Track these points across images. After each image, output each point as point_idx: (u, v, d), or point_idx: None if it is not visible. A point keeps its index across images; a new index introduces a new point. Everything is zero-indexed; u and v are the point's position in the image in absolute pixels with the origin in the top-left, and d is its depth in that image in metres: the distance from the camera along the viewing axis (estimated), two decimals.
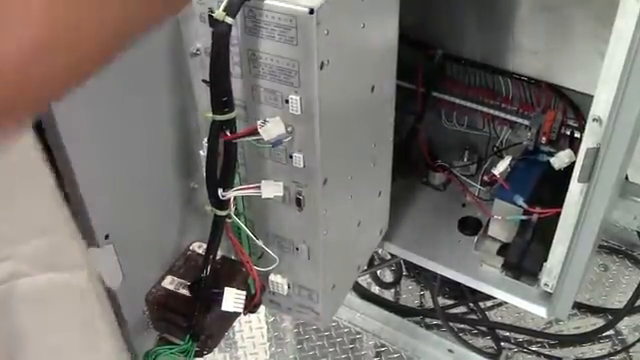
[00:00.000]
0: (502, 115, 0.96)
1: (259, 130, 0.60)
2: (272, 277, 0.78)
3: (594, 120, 0.68)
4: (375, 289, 1.34)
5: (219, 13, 0.56)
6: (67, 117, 0.55)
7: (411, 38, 0.91)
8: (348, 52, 0.64)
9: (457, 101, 0.99)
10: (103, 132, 0.60)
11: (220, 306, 0.67)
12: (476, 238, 0.94)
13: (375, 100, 0.75)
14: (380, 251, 1.27)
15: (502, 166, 0.88)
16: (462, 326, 1.25)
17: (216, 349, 0.73)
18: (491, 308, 1.27)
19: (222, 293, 0.67)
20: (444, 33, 0.97)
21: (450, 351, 1.19)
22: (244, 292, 0.68)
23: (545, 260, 0.83)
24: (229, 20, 0.56)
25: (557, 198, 0.78)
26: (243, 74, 0.63)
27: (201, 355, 0.71)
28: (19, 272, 0.48)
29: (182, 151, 0.72)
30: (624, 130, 0.66)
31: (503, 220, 0.91)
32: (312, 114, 0.61)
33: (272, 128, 0.59)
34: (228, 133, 0.61)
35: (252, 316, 1.28)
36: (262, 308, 0.82)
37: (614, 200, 0.79)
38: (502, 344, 1.22)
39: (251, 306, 0.72)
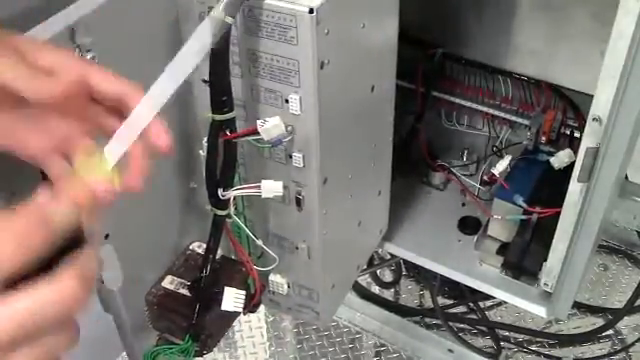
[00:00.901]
0: (502, 115, 0.96)
1: (259, 130, 0.60)
2: (272, 277, 0.78)
3: (594, 120, 0.67)
4: (375, 289, 1.34)
5: (219, 12, 0.56)
6: None
7: (411, 37, 0.91)
8: (348, 52, 0.64)
9: (457, 101, 0.99)
10: None
11: (220, 306, 0.67)
12: (476, 238, 0.94)
13: (375, 100, 0.75)
14: (380, 251, 1.27)
15: (502, 166, 0.87)
16: (462, 326, 1.25)
17: (216, 348, 0.73)
18: (491, 308, 1.27)
19: (222, 293, 0.67)
20: (444, 33, 0.97)
21: (450, 351, 1.19)
22: (244, 292, 0.68)
23: (545, 260, 0.83)
24: (229, 20, 0.56)
25: (557, 198, 0.78)
26: (243, 74, 0.63)
27: (201, 355, 0.71)
28: None
29: (182, 151, 0.72)
30: (624, 130, 0.66)
31: (503, 220, 0.91)
32: (312, 114, 0.61)
33: (272, 128, 0.59)
34: (228, 133, 0.61)
35: (252, 316, 1.28)
36: (262, 308, 0.82)
37: (614, 200, 0.79)
38: (502, 344, 1.22)
39: (251, 306, 0.72)
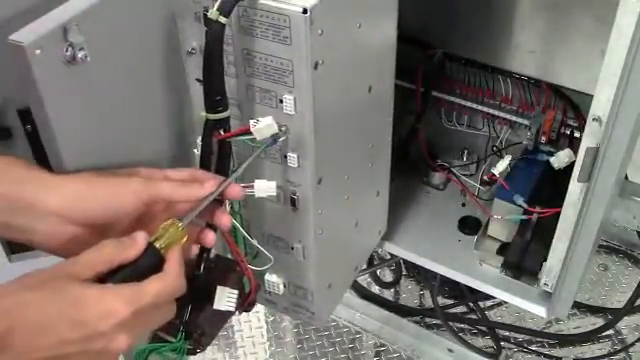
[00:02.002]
0: (502, 115, 0.96)
1: (252, 130, 0.59)
2: (268, 276, 0.78)
3: (594, 120, 0.67)
4: (375, 289, 1.34)
5: (213, 12, 0.55)
6: (63, 121, 0.55)
7: (411, 38, 0.91)
8: (343, 52, 0.64)
9: (457, 101, 0.98)
10: (98, 129, 0.60)
11: (212, 305, 0.67)
12: (476, 238, 0.94)
13: (372, 100, 0.74)
14: (380, 251, 1.27)
15: (502, 166, 0.87)
16: (462, 326, 1.25)
17: (215, 348, 0.73)
18: (491, 308, 1.27)
19: (214, 291, 0.67)
20: (444, 33, 0.96)
21: (450, 351, 1.19)
22: (236, 291, 0.67)
23: (545, 260, 0.83)
24: (223, 19, 0.55)
25: (557, 198, 0.77)
26: (238, 73, 0.63)
27: (194, 353, 0.70)
28: None
29: (177, 149, 0.71)
30: (624, 130, 0.65)
31: (503, 220, 0.91)
32: (306, 114, 0.61)
33: (264, 128, 0.59)
34: (222, 132, 0.61)
35: (252, 315, 1.28)
36: (262, 308, 0.82)
37: (614, 200, 0.79)
38: (502, 344, 1.22)
39: (245, 305, 0.72)
